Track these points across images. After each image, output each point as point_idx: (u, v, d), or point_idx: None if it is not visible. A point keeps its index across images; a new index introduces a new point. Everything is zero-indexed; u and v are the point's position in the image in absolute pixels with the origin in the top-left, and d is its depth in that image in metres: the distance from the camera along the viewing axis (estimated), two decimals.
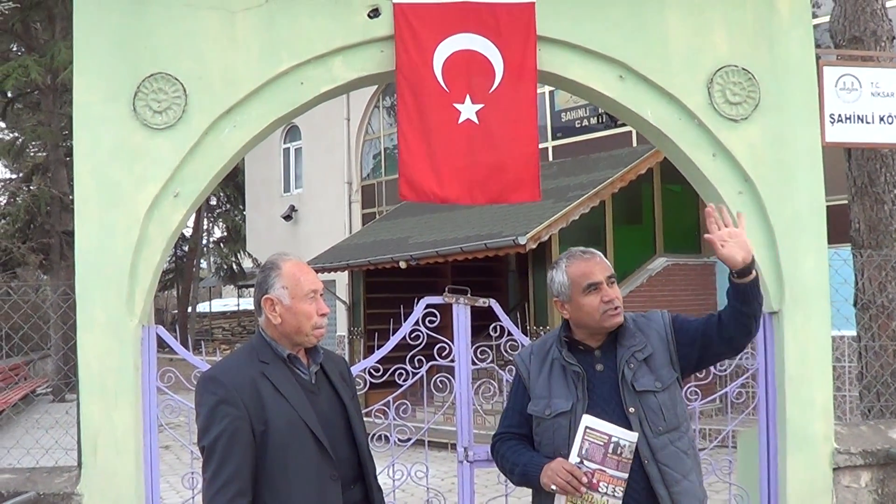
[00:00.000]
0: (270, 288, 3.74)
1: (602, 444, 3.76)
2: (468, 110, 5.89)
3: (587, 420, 3.81)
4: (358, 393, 4.13)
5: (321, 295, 3.83)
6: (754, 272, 3.87)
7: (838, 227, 8.07)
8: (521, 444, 4.17)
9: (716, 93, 6.00)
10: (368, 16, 5.85)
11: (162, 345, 5.99)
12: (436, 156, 5.89)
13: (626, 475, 3.79)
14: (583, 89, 6.17)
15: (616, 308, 4.03)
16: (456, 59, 5.89)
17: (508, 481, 4.40)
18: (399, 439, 6.44)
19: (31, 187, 28.60)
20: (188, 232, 36.49)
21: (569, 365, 4.07)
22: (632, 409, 3.94)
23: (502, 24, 5.88)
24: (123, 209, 5.66)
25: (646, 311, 4.25)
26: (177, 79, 5.70)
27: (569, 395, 4.02)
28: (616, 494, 3.78)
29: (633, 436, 3.80)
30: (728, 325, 3.98)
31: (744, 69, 6.03)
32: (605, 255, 4.25)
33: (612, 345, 4.08)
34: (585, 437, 3.79)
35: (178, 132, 5.71)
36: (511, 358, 4.62)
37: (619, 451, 3.76)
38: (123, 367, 5.65)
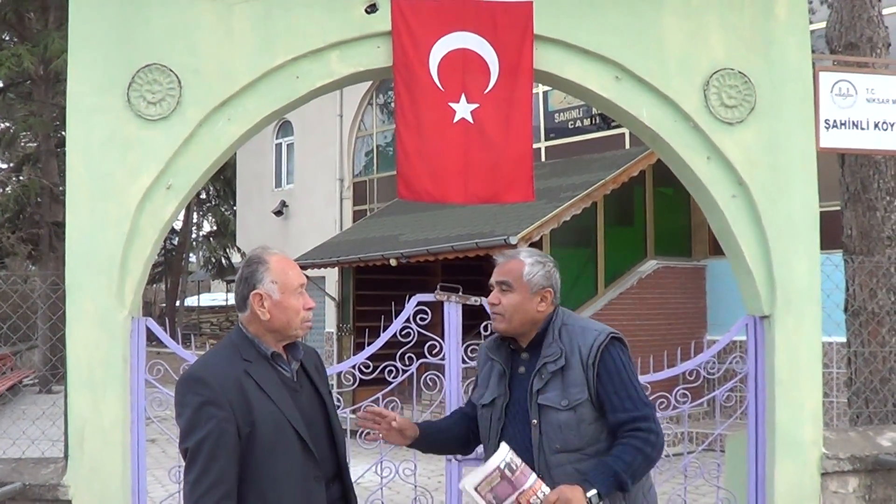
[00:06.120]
0: (259, 283, 3.63)
1: (499, 478, 3.68)
2: (463, 109, 5.88)
3: (465, 484, 3.75)
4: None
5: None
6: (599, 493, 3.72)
7: (830, 233, 8.07)
8: (455, 415, 4.39)
9: (712, 95, 5.99)
10: (366, 11, 5.84)
11: (150, 337, 5.97)
12: (431, 155, 5.88)
13: (534, 475, 3.73)
14: (579, 89, 6.16)
15: (495, 314, 4.06)
16: (451, 59, 5.88)
17: None
18: None
19: (22, 177, 28.51)
20: (177, 225, 36.48)
21: (494, 361, 4.12)
22: (534, 421, 3.92)
23: (499, 22, 5.87)
24: (115, 200, 5.63)
25: (586, 325, 4.06)
26: (172, 70, 5.68)
27: (496, 390, 4.07)
28: (542, 490, 3.68)
29: (503, 449, 3.75)
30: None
31: (740, 73, 6.03)
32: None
33: (537, 348, 4.02)
34: (480, 492, 3.70)
35: (172, 124, 5.68)
36: None
37: (512, 469, 3.68)
38: (112, 358, 5.62)
